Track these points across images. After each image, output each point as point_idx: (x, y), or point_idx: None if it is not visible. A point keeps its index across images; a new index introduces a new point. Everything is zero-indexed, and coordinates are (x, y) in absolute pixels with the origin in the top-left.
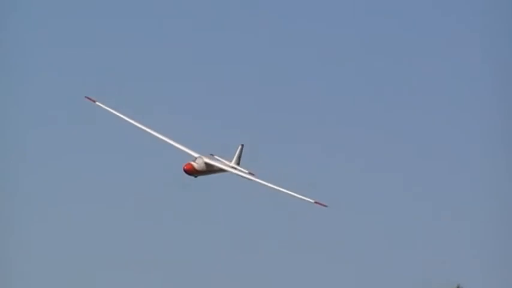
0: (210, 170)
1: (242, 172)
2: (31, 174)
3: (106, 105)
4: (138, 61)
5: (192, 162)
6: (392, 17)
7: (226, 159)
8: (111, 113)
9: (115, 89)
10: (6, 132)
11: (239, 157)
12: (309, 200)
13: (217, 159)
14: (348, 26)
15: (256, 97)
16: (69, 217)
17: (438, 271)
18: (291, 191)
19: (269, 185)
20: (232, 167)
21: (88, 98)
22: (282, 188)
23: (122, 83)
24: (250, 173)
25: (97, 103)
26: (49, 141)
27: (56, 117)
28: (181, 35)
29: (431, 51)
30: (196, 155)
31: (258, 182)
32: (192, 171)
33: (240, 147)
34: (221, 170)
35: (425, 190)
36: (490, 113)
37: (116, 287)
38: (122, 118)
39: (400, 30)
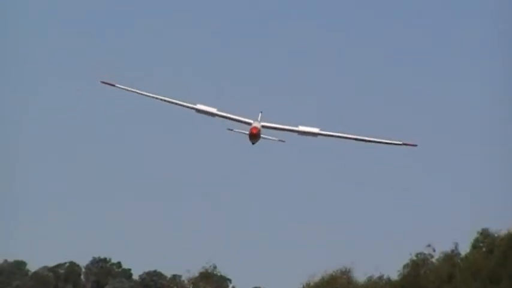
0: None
1: (306, 129)
2: None
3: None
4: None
5: (256, 126)
6: None
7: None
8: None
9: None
10: None
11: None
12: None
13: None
14: None
15: None
16: None
17: None
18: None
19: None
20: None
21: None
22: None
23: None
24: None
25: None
26: None
27: None
28: None
29: None
30: (250, 120)
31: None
32: (258, 135)
33: (259, 114)
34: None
35: None
36: None
37: None
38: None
39: None
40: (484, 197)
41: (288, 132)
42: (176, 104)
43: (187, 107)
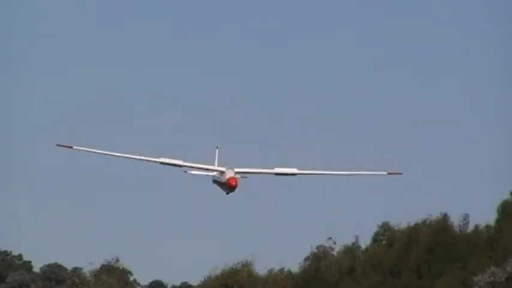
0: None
1: (284, 171)
2: None
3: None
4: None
5: (233, 176)
6: None
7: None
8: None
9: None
10: None
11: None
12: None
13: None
14: None
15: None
16: None
17: None
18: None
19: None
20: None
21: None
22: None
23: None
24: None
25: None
26: None
27: None
28: None
29: None
30: (222, 168)
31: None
32: (236, 186)
33: (216, 151)
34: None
35: None
36: None
37: None
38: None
39: None
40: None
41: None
42: (139, 159)
43: (151, 161)
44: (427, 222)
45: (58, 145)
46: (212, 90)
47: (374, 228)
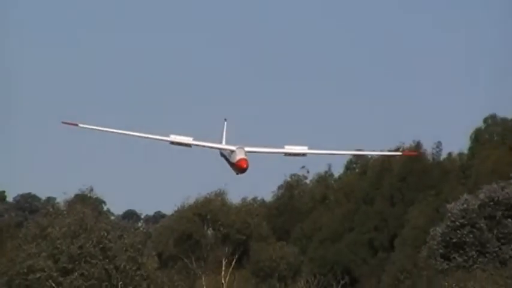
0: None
1: (294, 150)
2: None
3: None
4: None
5: (244, 157)
6: None
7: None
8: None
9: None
10: None
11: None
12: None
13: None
14: None
15: None
16: None
17: None
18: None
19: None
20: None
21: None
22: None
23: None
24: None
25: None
26: None
27: None
28: None
29: None
30: (232, 147)
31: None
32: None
33: (224, 123)
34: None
35: None
36: None
37: None
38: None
39: None
40: (358, 119)
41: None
42: (149, 138)
43: (161, 139)
44: (400, 150)
45: (64, 122)
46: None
47: (347, 157)
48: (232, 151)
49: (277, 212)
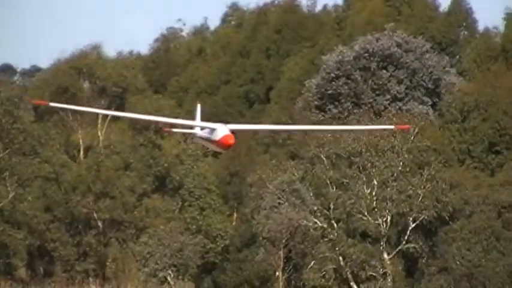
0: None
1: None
2: None
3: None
4: None
5: (228, 133)
6: None
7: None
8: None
9: None
10: None
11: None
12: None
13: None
14: None
15: None
16: None
17: None
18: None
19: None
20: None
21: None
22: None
23: None
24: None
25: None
26: None
27: None
28: None
29: None
30: (212, 125)
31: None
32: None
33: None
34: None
35: None
36: None
37: None
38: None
39: None
40: None
41: None
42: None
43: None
44: (276, 2)
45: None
46: None
47: (223, 9)
48: (213, 129)
49: (153, 65)
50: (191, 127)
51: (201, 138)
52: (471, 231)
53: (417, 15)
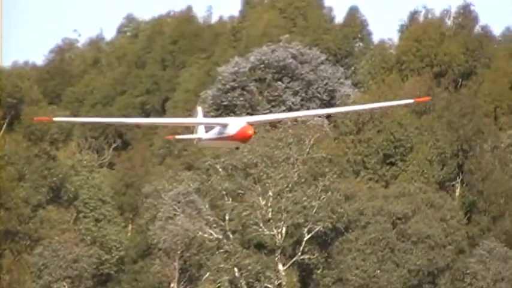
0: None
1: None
2: None
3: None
4: None
5: (246, 125)
6: None
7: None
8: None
9: None
10: None
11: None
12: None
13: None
14: None
15: None
16: None
17: None
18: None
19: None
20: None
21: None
22: None
23: None
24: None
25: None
26: None
27: None
28: None
29: None
30: (223, 121)
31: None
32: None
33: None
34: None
35: None
36: None
37: None
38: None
39: None
40: None
41: None
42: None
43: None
44: (172, 13)
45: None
46: None
47: (119, 20)
48: (224, 125)
49: (48, 75)
50: (193, 132)
51: (210, 139)
52: (366, 242)
53: (312, 26)
